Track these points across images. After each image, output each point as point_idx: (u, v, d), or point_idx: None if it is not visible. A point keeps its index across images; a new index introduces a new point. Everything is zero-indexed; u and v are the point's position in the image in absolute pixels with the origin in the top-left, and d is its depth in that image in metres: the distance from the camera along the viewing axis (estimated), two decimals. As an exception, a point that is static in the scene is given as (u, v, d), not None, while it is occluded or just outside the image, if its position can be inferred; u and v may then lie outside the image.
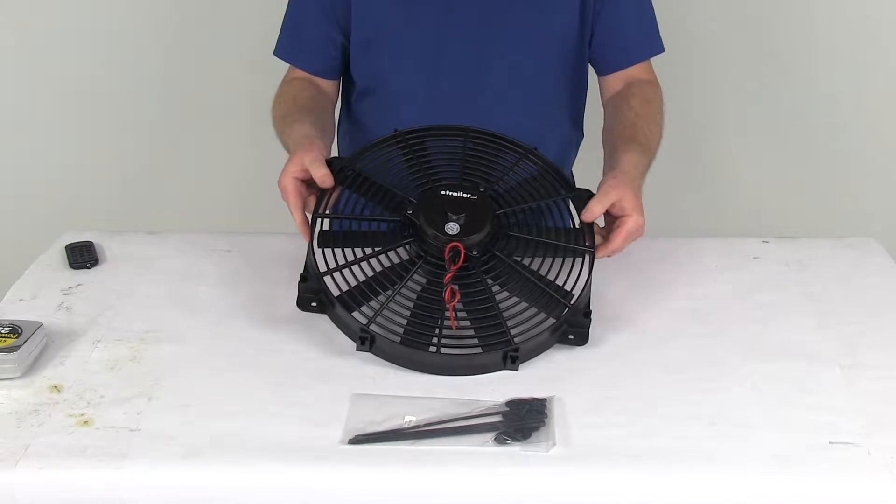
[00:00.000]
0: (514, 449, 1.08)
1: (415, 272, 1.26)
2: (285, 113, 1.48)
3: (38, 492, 1.05)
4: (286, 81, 1.57)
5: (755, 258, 1.48)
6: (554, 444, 1.08)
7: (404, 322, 1.23)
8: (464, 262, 1.25)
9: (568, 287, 1.27)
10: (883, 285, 1.41)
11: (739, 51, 2.24)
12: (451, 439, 1.09)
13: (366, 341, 1.21)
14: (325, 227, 1.32)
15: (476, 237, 1.27)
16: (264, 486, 1.05)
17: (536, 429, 1.10)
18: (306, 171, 1.30)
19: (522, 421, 1.11)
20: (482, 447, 1.08)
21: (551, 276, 1.28)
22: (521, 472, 1.05)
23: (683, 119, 2.22)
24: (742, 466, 1.06)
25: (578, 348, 1.25)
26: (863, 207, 2.33)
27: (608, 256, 1.31)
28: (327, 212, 1.31)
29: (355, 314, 1.23)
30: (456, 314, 1.22)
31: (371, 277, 1.27)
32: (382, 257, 1.29)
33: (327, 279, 1.26)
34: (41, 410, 1.14)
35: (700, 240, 1.52)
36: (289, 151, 1.39)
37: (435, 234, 1.27)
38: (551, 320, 1.24)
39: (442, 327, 1.22)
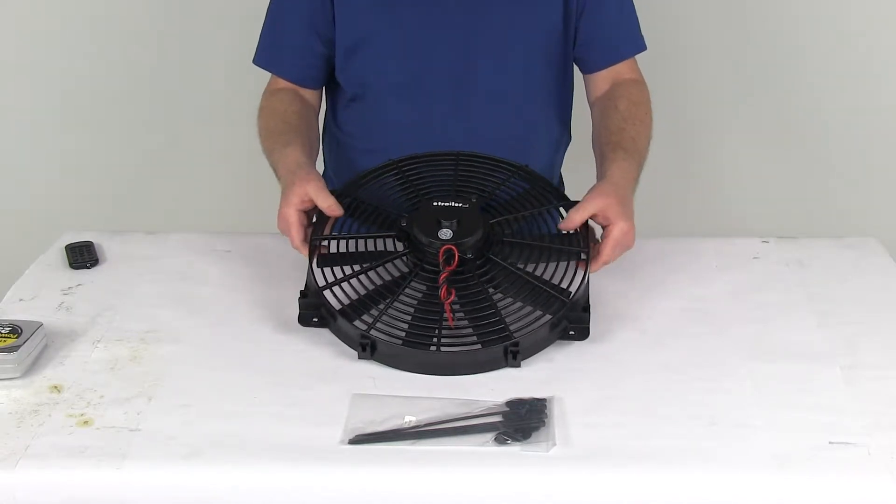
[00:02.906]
0: (514, 449, 1.08)
1: (412, 280, 1.27)
2: (273, 130, 1.48)
3: (38, 492, 1.05)
4: (271, 92, 1.56)
5: (755, 258, 1.48)
6: (554, 444, 1.08)
7: (405, 326, 1.23)
8: (459, 265, 1.26)
9: (564, 285, 1.27)
10: (883, 285, 1.41)
11: (740, 50, 2.23)
12: (451, 439, 1.09)
13: (366, 348, 1.22)
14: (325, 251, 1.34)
15: (469, 240, 1.28)
16: (264, 486, 1.05)
17: (536, 429, 1.10)
18: (309, 201, 1.31)
19: (522, 421, 1.11)
20: (482, 447, 1.08)
21: (547, 278, 1.29)
22: (521, 472, 1.05)
23: (683, 119, 2.23)
24: (742, 466, 1.06)
25: (579, 348, 1.25)
26: (863, 207, 2.32)
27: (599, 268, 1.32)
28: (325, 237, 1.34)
29: (356, 322, 1.24)
30: (454, 314, 1.23)
31: (370, 290, 1.28)
32: (381, 270, 1.30)
33: (327, 293, 1.27)
34: (41, 410, 1.14)
35: (700, 240, 1.52)
36: (278, 174, 1.39)
37: (429, 240, 1.28)
38: (550, 316, 1.24)
39: (441, 326, 1.22)
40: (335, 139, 1.63)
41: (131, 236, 1.54)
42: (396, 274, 1.30)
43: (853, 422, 1.11)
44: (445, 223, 1.29)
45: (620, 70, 1.57)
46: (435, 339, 1.22)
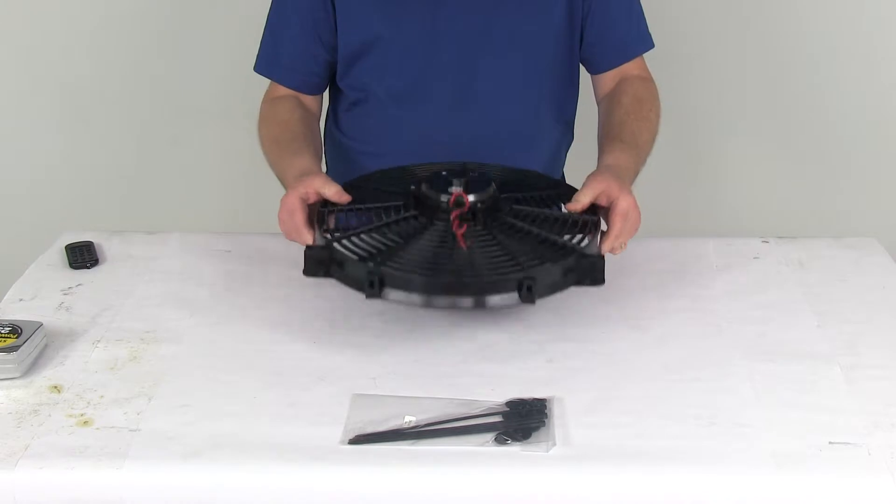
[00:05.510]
0: (514, 449, 1.08)
1: (424, 231, 1.26)
2: (278, 139, 1.47)
3: (38, 492, 1.05)
4: (271, 100, 1.55)
5: (755, 258, 1.48)
6: (554, 444, 1.08)
7: (415, 262, 1.21)
8: (471, 214, 1.26)
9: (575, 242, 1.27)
10: (883, 285, 1.41)
11: (740, 50, 2.24)
12: (451, 439, 1.09)
13: (374, 284, 1.18)
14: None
15: (480, 195, 1.28)
16: (264, 485, 1.05)
17: (536, 429, 1.10)
18: (314, 194, 1.30)
19: (522, 421, 1.11)
20: (482, 447, 1.08)
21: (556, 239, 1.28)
22: (521, 472, 1.05)
23: (684, 118, 2.23)
24: (742, 466, 1.06)
25: (579, 348, 1.25)
26: (863, 207, 2.33)
27: (613, 251, 1.29)
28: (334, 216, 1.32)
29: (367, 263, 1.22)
30: (466, 242, 1.22)
31: (380, 241, 1.26)
32: (392, 227, 1.29)
33: (335, 245, 1.25)
34: (41, 410, 1.14)
35: (700, 240, 1.52)
36: (285, 182, 1.38)
37: (439, 194, 1.27)
38: (564, 262, 1.22)
39: (454, 260, 1.20)
40: (337, 142, 1.63)
41: (131, 236, 1.54)
42: (407, 231, 1.28)
43: (853, 422, 1.11)
44: (456, 181, 1.28)
45: (627, 67, 1.57)
46: (449, 269, 1.19)
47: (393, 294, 1.18)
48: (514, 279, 1.17)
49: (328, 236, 1.26)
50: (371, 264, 1.20)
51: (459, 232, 1.22)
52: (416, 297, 1.18)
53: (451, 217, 1.25)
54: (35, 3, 2.20)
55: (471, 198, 1.27)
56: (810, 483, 1.04)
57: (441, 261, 1.21)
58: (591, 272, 1.23)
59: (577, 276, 1.23)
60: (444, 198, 1.28)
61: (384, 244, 1.25)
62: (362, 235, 1.26)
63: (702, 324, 1.31)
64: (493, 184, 1.32)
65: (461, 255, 1.21)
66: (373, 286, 1.18)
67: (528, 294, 1.17)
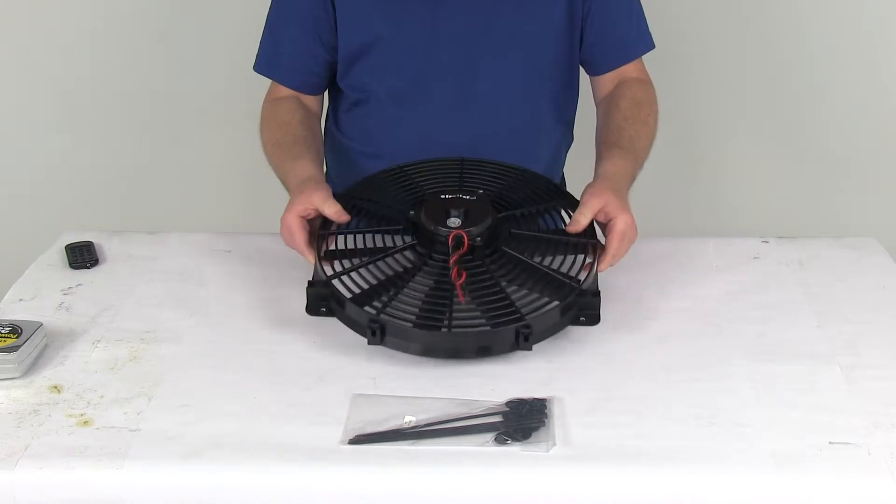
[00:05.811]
0: (514, 449, 1.08)
1: (422, 267, 1.27)
2: (280, 143, 1.48)
3: (38, 492, 1.05)
4: (272, 101, 1.55)
5: (755, 258, 1.48)
6: (554, 444, 1.08)
7: (415, 310, 1.22)
8: (468, 252, 1.26)
9: (573, 274, 1.28)
10: (883, 285, 1.41)
11: (740, 50, 2.24)
12: (451, 439, 1.09)
13: (376, 332, 1.21)
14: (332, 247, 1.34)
15: (479, 228, 1.28)
16: (264, 486, 1.05)
17: (536, 429, 1.10)
18: (312, 210, 1.32)
19: (522, 421, 1.11)
20: (482, 447, 1.08)
21: (555, 268, 1.29)
22: (521, 472, 1.05)
23: (684, 119, 2.23)
24: (742, 466, 1.06)
25: (579, 348, 1.25)
26: (863, 207, 2.33)
27: (612, 265, 1.31)
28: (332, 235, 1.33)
29: (365, 308, 1.23)
30: (465, 293, 1.22)
31: (379, 279, 1.28)
32: (390, 260, 1.30)
33: (336, 282, 1.27)
34: (41, 410, 1.14)
35: (700, 240, 1.52)
36: (287, 187, 1.40)
37: (437, 228, 1.28)
38: (562, 303, 1.24)
39: (452, 308, 1.22)
40: (337, 143, 1.63)
41: (131, 236, 1.53)
42: (405, 265, 1.30)
43: (853, 422, 1.12)
44: (454, 212, 1.30)
45: (626, 70, 1.57)
46: (446, 321, 1.21)
47: (394, 343, 1.21)
48: (512, 329, 1.20)
49: (328, 271, 1.28)
50: (372, 312, 1.21)
51: (458, 283, 1.23)
52: (416, 347, 1.21)
53: (451, 262, 1.25)
54: (35, 3, 2.20)
55: (468, 231, 1.28)
56: (810, 483, 1.04)
57: (440, 309, 1.22)
58: (588, 310, 1.27)
59: (574, 314, 1.26)
60: (442, 231, 1.28)
61: (383, 281, 1.27)
62: (361, 271, 1.28)
63: (702, 324, 1.31)
64: (492, 210, 1.32)
65: (460, 305, 1.22)
66: (374, 334, 1.21)
67: (525, 343, 1.20)
